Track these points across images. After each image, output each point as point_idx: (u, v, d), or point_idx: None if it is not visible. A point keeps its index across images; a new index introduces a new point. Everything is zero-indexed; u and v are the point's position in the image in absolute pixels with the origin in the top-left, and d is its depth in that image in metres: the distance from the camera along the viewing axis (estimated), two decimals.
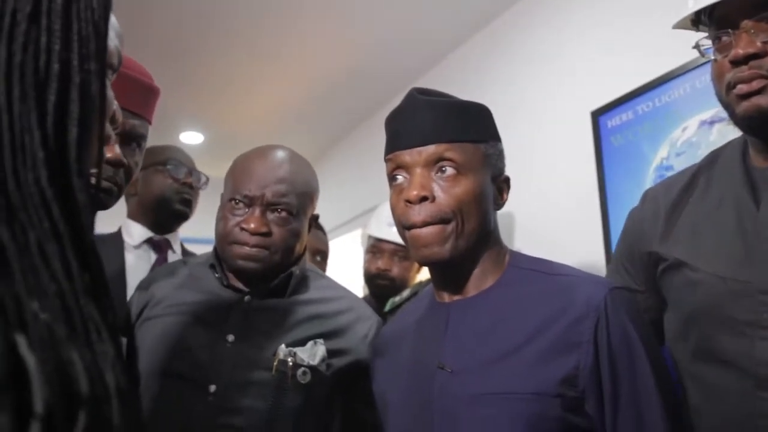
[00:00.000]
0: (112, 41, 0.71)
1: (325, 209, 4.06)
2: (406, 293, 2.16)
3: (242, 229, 1.26)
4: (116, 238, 1.90)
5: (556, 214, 2.42)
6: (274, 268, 1.29)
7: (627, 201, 1.84)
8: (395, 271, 2.20)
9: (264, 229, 1.25)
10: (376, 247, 2.27)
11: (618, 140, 2.20)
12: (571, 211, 2.35)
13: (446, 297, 1.12)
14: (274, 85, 3.57)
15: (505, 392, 0.96)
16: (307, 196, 1.33)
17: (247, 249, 1.26)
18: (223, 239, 1.29)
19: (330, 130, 4.22)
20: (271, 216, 1.27)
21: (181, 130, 4.17)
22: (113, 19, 0.72)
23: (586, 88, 2.35)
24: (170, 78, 3.37)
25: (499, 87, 2.86)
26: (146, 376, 1.25)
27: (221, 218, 1.31)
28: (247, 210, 1.27)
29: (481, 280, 1.09)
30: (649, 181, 2.03)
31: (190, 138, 4.28)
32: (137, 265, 1.85)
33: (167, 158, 1.94)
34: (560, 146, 2.46)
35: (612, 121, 2.23)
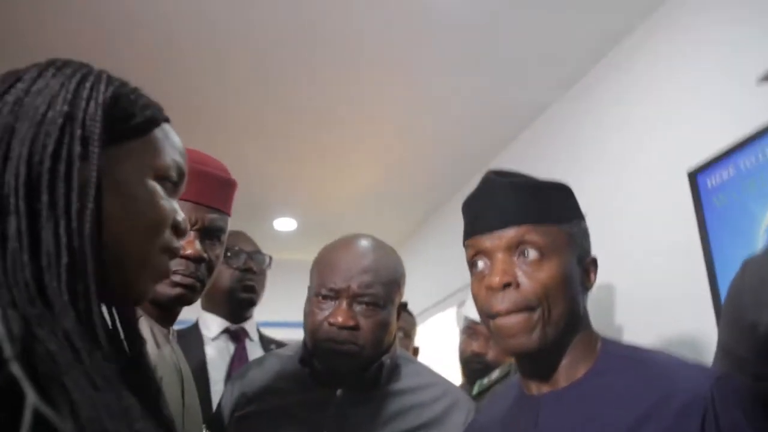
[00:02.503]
0: (168, 155, 0.74)
1: (416, 289, 4.04)
2: (494, 375, 2.07)
3: (330, 323, 1.24)
4: (195, 331, 1.94)
5: (658, 288, 2.25)
6: (364, 361, 1.27)
7: (737, 266, 1.71)
8: (491, 354, 2.12)
9: (351, 323, 1.24)
10: (471, 329, 2.21)
11: (721, 201, 2.06)
12: (674, 282, 2.18)
13: (534, 389, 1.05)
14: (362, 171, 3.64)
15: None
16: (394, 284, 1.31)
17: (335, 345, 1.24)
18: (312, 334, 1.28)
19: (418, 209, 4.23)
20: (358, 308, 1.25)
21: (275, 216, 4.28)
22: (169, 134, 0.76)
23: (680, 145, 2.23)
24: (264, 167, 3.50)
25: (587, 152, 2.77)
26: None
27: (309, 313, 1.30)
28: (333, 303, 1.26)
29: (572, 369, 1.01)
30: (761, 242, 1.88)
31: (284, 224, 4.39)
32: (217, 356, 1.88)
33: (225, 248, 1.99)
34: (656, 212, 2.32)
35: (712, 180, 2.09)
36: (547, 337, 0.98)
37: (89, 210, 0.62)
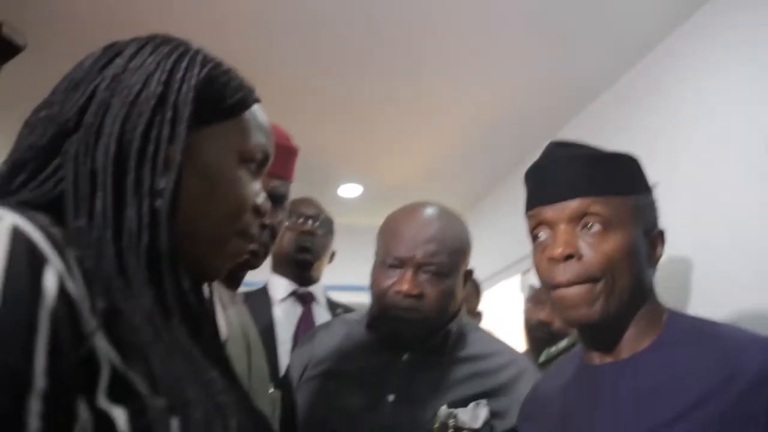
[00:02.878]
0: (255, 137, 0.74)
1: (482, 255, 4.02)
2: (563, 344, 2.05)
3: (396, 291, 1.25)
4: (263, 294, 2.00)
5: (730, 261, 2.13)
6: (429, 329, 1.27)
7: None
8: (556, 324, 2.10)
9: (416, 291, 1.24)
10: (537, 297, 2.18)
11: None
12: (747, 256, 2.06)
13: (597, 359, 1.04)
14: (428, 136, 3.62)
15: None
16: (459, 252, 1.30)
17: (400, 312, 1.25)
18: (378, 302, 1.30)
19: (483, 177, 4.18)
20: (423, 276, 1.26)
21: (340, 182, 4.32)
22: (258, 116, 0.76)
23: (757, 114, 2.10)
24: (331, 133, 3.53)
25: (659, 122, 2.65)
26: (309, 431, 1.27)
27: (375, 280, 1.32)
28: (399, 271, 1.27)
29: (635, 341, 1.00)
30: None
31: (350, 190, 4.42)
32: (285, 318, 1.93)
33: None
34: (730, 183, 2.19)
35: None
36: (609, 309, 0.96)
37: (170, 192, 0.63)
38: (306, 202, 2.14)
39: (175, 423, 0.53)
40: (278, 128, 1.25)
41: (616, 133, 2.83)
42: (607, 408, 0.97)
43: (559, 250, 0.97)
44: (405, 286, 1.24)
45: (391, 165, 4.01)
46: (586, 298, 0.96)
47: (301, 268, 2.05)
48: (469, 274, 1.37)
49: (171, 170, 0.64)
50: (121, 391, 0.52)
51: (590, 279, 0.96)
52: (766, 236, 2.00)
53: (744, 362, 0.88)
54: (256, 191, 0.75)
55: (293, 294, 2.03)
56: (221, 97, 0.71)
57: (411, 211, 1.34)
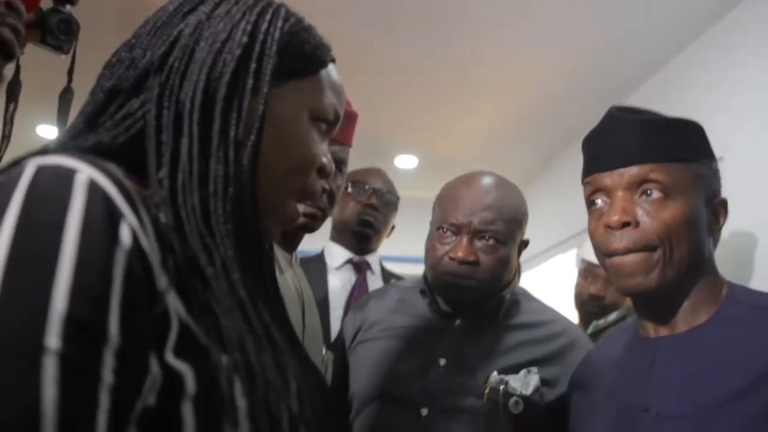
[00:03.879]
0: (328, 97, 0.74)
1: (538, 229, 3.97)
2: (612, 317, 2.02)
3: (450, 258, 1.26)
4: (319, 260, 2.03)
5: None
6: (483, 295, 1.28)
7: None
8: (609, 298, 2.07)
9: (471, 258, 1.25)
10: (589, 272, 2.16)
11: None
12: None
13: (651, 331, 1.02)
14: (485, 107, 3.57)
15: None
16: (515, 222, 1.30)
17: (455, 279, 1.26)
18: (432, 268, 1.31)
19: (541, 150, 4.12)
20: (478, 244, 1.26)
21: (396, 153, 4.32)
22: (332, 75, 0.75)
23: None
24: (386, 103, 3.52)
25: (728, 93, 2.56)
26: (360, 396, 1.30)
27: (430, 247, 1.32)
28: (454, 238, 1.28)
29: (692, 314, 0.97)
30: None
31: (405, 161, 4.42)
32: (339, 285, 1.96)
33: (352, 181, 2.03)
34: None
35: None
36: (666, 278, 0.95)
37: (252, 143, 0.64)
38: (374, 173, 2.14)
39: (238, 382, 0.54)
40: None
41: (677, 106, 2.75)
42: (661, 382, 0.95)
43: (616, 218, 0.96)
44: (460, 253, 1.24)
45: (446, 136, 3.99)
46: (642, 266, 0.94)
47: (360, 240, 2.07)
48: (524, 244, 1.37)
49: (255, 122, 0.64)
50: (187, 347, 0.52)
51: (647, 247, 0.94)
52: None
53: None
54: (324, 151, 0.75)
55: (349, 262, 2.06)
56: (301, 53, 0.70)
57: (469, 179, 1.34)
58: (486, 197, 1.28)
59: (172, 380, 0.51)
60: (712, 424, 0.87)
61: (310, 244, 1.61)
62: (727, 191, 1.06)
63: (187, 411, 0.51)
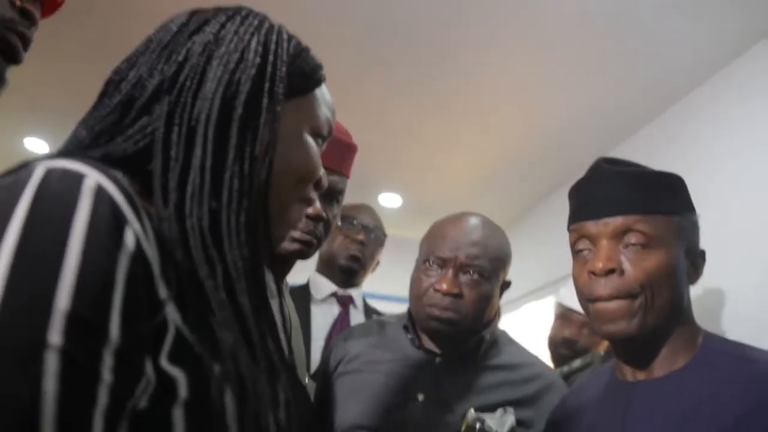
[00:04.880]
0: (324, 113, 0.78)
1: (517, 274, 4.00)
2: (576, 363, 2.06)
3: (435, 290, 1.30)
4: (304, 291, 2.06)
5: (755, 293, 2.16)
6: (464, 331, 1.31)
7: None
8: (581, 342, 2.12)
9: (456, 291, 1.28)
10: (565, 316, 2.21)
11: None
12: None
13: (629, 375, 1.05)
14: (471, 151, 3.63)
15: None
16: (500, 261, 1.35)
17: (438, 311, 1.29)
18: (416, 300, 1.34)
19: (523, 196, 4.18)
20: (463, 278, 1.30)
21: (380, 191, 4.36)
22: (326, 93, 0.80)
23: None
24: (372, 140, 3.55)
25: (697, 157, 2.68)
26: (339, 427, 1.31)
27: (415, 279, 1.36)
28: (440, 271, 1.31)
29: (670, 360, 1.01)
30: None
31: (389, 200, 4.47)
32: (321, 318, 1.98)
33: (343, 215, 2.09)
34: (761, 220, 2.22)
35: None
36: (646, 325, 0.98)
37: (268, 158, 0.67)
38: (363, 209, 2.21)
39: (229, 391, 0.55)
40: (339, 124, 1.28)
41: (662, 161, 2.84)
42: (637, 426, 0.98)
43: (600, 265, 0.99)
44: (445, 285, 1.28)
45: (431, 178, 4.04)
46: (625, 312, 0.98)
47: (347, 274, 2.10)
48: (506, 285, 1.41)
49: (269, 138, 0.67)
50: (181, 354, 0.53)
51: (630, 294, 0.98)
52: None
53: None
54: (320, 163, 0.78)
55: (333, 295, 2.09)
56: (303, 73, 0.74)
57: (457, 217, 1.39)
58: (473, 234, 1.33)
59: (165, 385, 0.52)
60: None
61: (294, 275, 1.64)
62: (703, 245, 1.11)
63: (178, 416, 0.52)
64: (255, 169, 0.65)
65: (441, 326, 1.30)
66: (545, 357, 2.46)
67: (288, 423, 0.62)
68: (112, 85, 0.67)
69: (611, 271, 0.99)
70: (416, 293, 1.35)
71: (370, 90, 3.08)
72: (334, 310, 2.06)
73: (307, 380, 1.34)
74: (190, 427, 0.52)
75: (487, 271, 1.31)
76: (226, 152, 0.63)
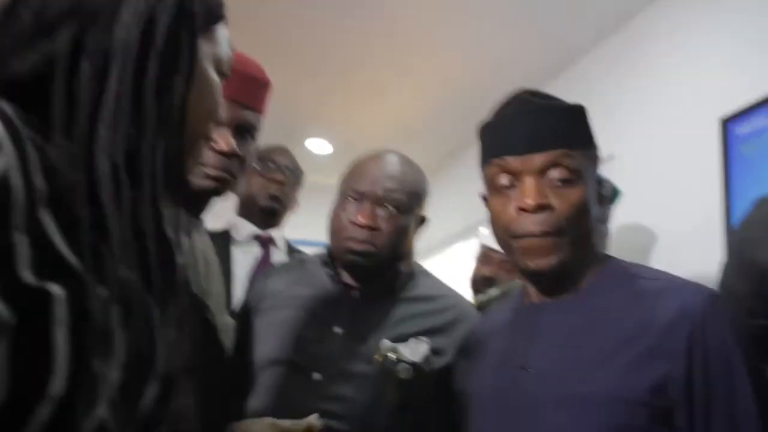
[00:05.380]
0: (225, 50, 0.76)
1: (442, 218, 4.08)
2: (493, 292, 2.13)
3: (352, 223, 1.31)
4: (225, 234, 2.05)
5: (674, 227, 2.30)
6: (381, 263, 1.34)
7: None
8: (501, 279, 2.19)
9: (372, 223, 1.30)
10: (486, 255, 2.27)
11: (749, 150, 2.07)
12: (692, 225, 2.23)
13: (536, 298, 1.08)
14: (401, 95, 3.65)
15: (589, 396, 0.92)
16: (416, 195, 1.37)
17: (354, 244, 1.31)
18: (334, 233, 1.36)
19: (452, 141, 4.24)
20: (380, 211, 1.32)
21: (308, 136, 4.34)
22: (225, 30, 0.77)
23: (715, 93, 2.23)
24: (299, 85, 3.53)
25: (620, 96, 2.77)
26: (259, 362, 1.34)
27: (333, 214, 1.38)
28: (358, 206, 1.33)
29: (575, 282, 1.04)
30: None
31: (318, 147, 4.45)
32: (243, 259, 1.99)
33: (260, 158, 2.08)
34: (684, 157, 2.34)
35: (743, 129, 2.10)
36: (570, 258, 0.99)
37: (183, 95, 0.66)
38: (279, 150, 2.19)
39: (115, 311, 0.54)
40: (252, 60, 1.26)
41: (583, 101, 2.94)
42: (541, 343, 1.02)
43: (531, 201, 0.97)
44: (361, 218, 1.30)
45: (360, 123, 4.04)
46: (554, 247, 0.98)
47: (267, 214, 2.11)
48: (423, 220, 1.44)
49: (187, 74, 0.66)
50: (54, 270, 0.51)
51: (560, 230, 0.98)
52: (711, 209, 2.14)
53: (670, 301, 0.92)
54: (222, 101, 0.77)
55: (254, 237, 2.09)
56: (209, 8, 0.72)
57: (376, 154, 1.41)
58: (390, 169, 1.35)
59: (33, 299, 0.49)
60: (584, 377, 0.94)
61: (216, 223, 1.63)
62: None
63: (60, 336, 0.50)
64: (174, 103, 0.64)
65: (357, 258, 1.32)
66: (468, 297, 2.54)
67: (181, 344, 0.62)
68: (11, 3, 0.62)
69: (542, 207, 0.98)
70: (333, 226, 1.36)
71: (300, 35, 3.04)
72: (256, 251, 2.06)
73: (227, 318, 1.35)
74: (72, 343, 0.50)
75: (404, 205, 1.33)
76: (143, 84, 0.61)
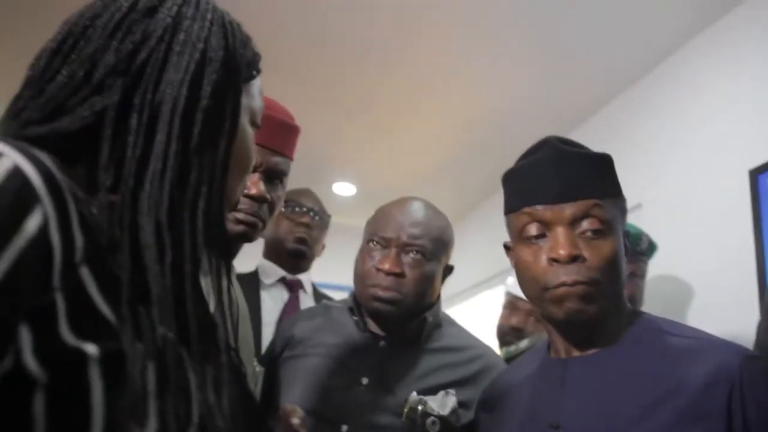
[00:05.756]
0: (259, 102, 0.78)
1: (467, 265, 4.06)
2: (523, 344, 2.11)
3: (378, 270, 1.31)
4: (253, 277, 2.05)
5: (707, 280, 2.26)
6: (406, 311, 1.33)
7: None
8: (529, 330, 2.17)
9: (398, 270, 1.30)
10: (513, 304, 2.25)
11: None
12: (724, 276, 2.19)
13: (563, 352, 1.06)
14: (427, 142, 3.67)
15: None
16: (442, 242, 1.37)
17: (380, 291, 1.30)
18: (360, 280, 1.36)
19: (476, 188, 4.24)
20: (405, 258, 1.32)
21: (335, 180, 4.37)
22: (258, 83, 0.78)
23: (743, 144, 2.23)
24: (327, 129, 3.57)
25: (648, 145, 2.77)
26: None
27: (359, 260, 1.38)
28: (383, 252, 1.33)
29: (603, 337, 1.02)
30: None
31: (343, 189, 4.47)
32: (272, 303, 1.99)
33: (286, 200, 2.08)
34: (713, 207, 2.32)
35: None
36: (603, 309, 0.98)
37: (226, 146, 0.67)
38: (306, 193, 2.21)
39: (150, 368, 0.54)
40: (281, 106, 1.28)
41: (611, 150, 2.95)
42: (570, 400, 0.99)
43: (564, 252, 0.96)
44: (387, 265, 1.30)
45: (385, 168, 4.07)
46: (587, 297, 0.96)
47: (295, 258, 2.11)
48: (449, 269, 1.44)
49: (230, 130, 0.67)
50: (91, 328, 0.51)
51: (592, 281, 0.96)
52: (744, 262, 2.10)
53: (705, 362, 0.91)
54: (252, 153, 0.78)
55: (282, 280, 2.09)
56: (249, 62, 0.73)
57: (401, 201, 1.42)
58: (415, 215, 1.36)
59: (71, 359, 0.49)
60: None
61: (242, 264, 1.64)
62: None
63: (96, 395, 0.50)
64: (217, 159, 0.65)
65: (383, 306, 1.31)
66: (494, 346, 2.51)
67: (219, 406, 0.61)
68: (55, 57, 0.63)
69: (574, 259, 0.96)
70: (359, 273, 1.36)
71: (329, 80, 3.08)
72: (284, 295, 2.07)
73: (255, 365, 1.34)
74: (108, 400, 0.51)
75: (429, 252, 1.33)
76: (189, 141, 0.62)
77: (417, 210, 1.37)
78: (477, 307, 4.25)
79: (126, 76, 0.62)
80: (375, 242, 1.35)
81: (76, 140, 0.60)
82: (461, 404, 1.27)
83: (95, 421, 0.49)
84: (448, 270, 1.44)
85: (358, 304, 1.40)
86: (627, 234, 1.07)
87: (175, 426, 0.55)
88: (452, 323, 1.47)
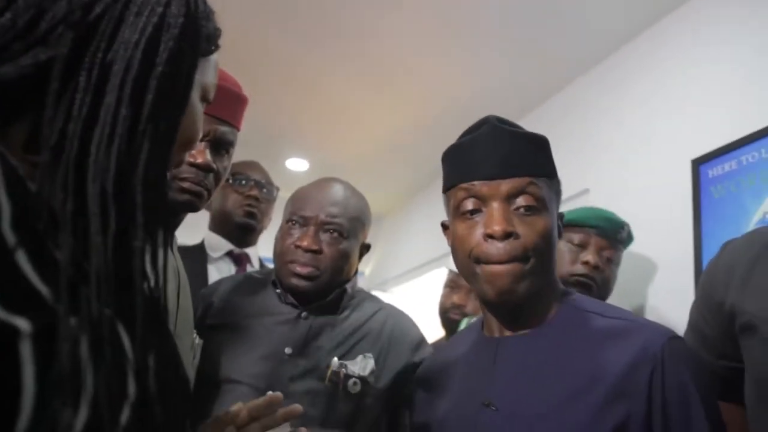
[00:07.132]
0: (213, 78, 0.76)
1: (416, 244, 4.09)
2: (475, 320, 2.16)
3: (296, 246, 1.37)
4: (200, 250, 2.03)
5: (647, 264, 2.34)
6: (324, 287, 1.39)
7: None
8: (470, 307, 2.21)
9: (316, 247, 1.36)
10: (454, 282, 2.29)
11: (719, 191, 2.12)
12: (662, 262, 2.27)
13: (497, 331, 1.08)
14: (382, 117, 3.66)
15: None
16: (359, 221, 1.43)
17: (299, 267, 1.36)
18: (279, 257, 1.41)
19: (427, 166, 4.26)
20: (323, 236, 1.38)
21: (288, 156, 4.34)
22: (214, 58, 0.76)
23: (687, 135, 2.29)
24: (282, 105, 3.53)
25: (593, 132, 2.83)
26: (206, 380, 1.33)
27: (279, 238, 1.43)
28: (302, 230, 1.39)
29: (535, 316, 1.04)
30: None
31: (296, 165, 4.45)
32: (218, 276, 1.96)
33: (233, 173, 2.06)
34: (656, 195, 2.39)
35: (713, 171, 2.15)
36: (533, 288, 1.00)
37: (177, 116, 0.65)
38: (254, 166, 2.18)
39: (84, 343, 0.50)
40: (229, 75, 1.26)
41: (559, 137, 3.00)
42: (502, 379, 1.01)
43: (498, 228, 0.98)
44: (305, 242, 1.36)
45: (338, 143, 4.05)
46: (517, 276, 0.98)
47: (243, 231, 2.09)
48: (366, 247, 1.50)
49: (182, 101, 0.65)
50: (22, 302, 0.48)
51: (524, 258, 0.98)
52: (682, 249, 2.18)
53: (631, 342, 0.94)
54: (201, 129, 0.77)
55: (229, 254, 2.08)
56: (209, 36, 0.71)
57: (320, 181, 1.48)
58: (334, 196, 1.42)
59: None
60: (548, 419, 0.94)
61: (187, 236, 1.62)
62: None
63: (28, 374, 0.47)
64: (169, 129, 0.62)
65: (301, 282, 1.37)
66: (438, 323, 2.55)
67: (156, 383, 0.59)
68: None
69: (508, 234, 0.98)
70: (278, 251, 1.41)
71: (283, 55, 3.04)
72: (231, 268, 2.05)
73: (194, 336, 1.33)
74: (39, 377, 0.47)
75: (346, 230, 1.40)
76: (141, 107, 0.58)
77: (336, 191, 1.43)
78: (425, 285, 4.29)
79: (77, 28, 0.57)
80: (294, 221, 1.41)
81: (14, 95, 0.56)
82: (376, 362, 1.36)
83: (25, 401, 0.46)
84: (366, 248, 1.51)
85: (278, 275, 1.44)
86: (561, 216, 1.10)
87: (107, 402, 0.52)
88: (369, 294, 1.55)
